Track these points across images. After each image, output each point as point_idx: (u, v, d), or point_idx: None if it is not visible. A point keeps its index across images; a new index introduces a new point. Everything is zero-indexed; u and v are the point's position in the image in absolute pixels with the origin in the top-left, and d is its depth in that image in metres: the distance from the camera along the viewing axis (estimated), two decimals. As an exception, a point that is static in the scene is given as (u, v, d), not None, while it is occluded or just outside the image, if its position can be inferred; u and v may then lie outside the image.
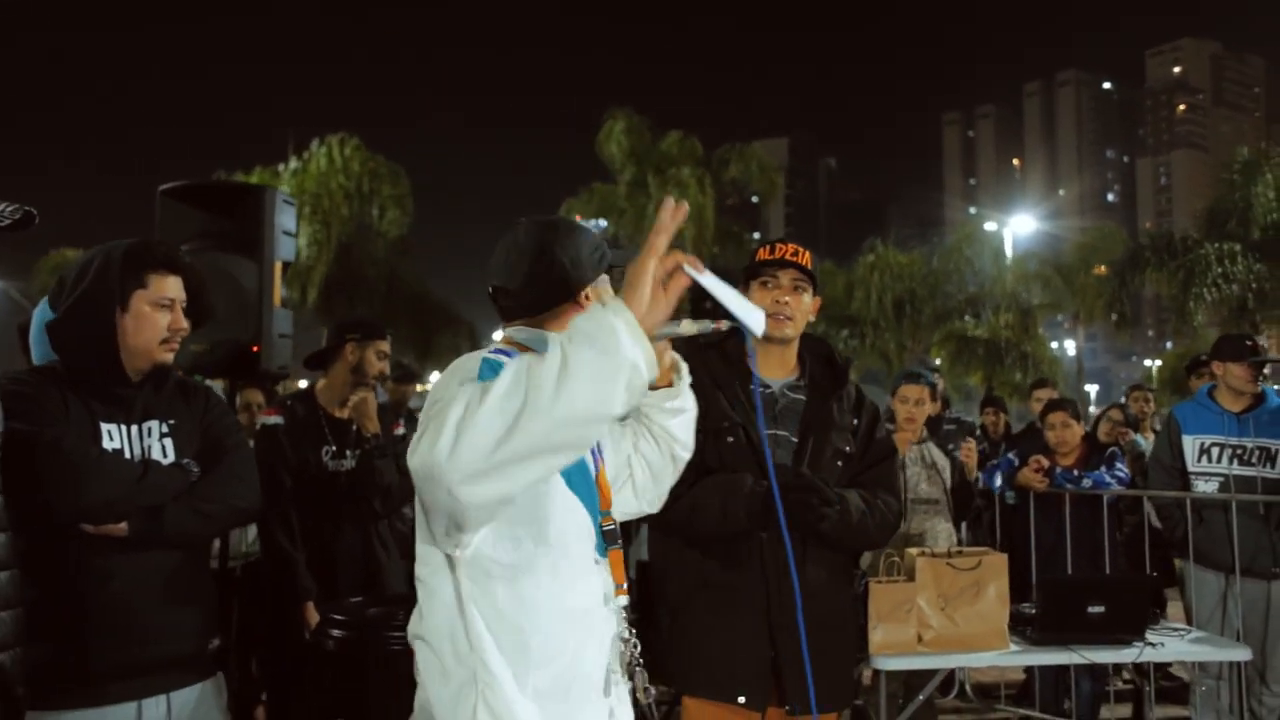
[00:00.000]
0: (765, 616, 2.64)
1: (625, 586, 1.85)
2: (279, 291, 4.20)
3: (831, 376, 2.89)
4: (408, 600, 3.38)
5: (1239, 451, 4.55)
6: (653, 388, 1.98)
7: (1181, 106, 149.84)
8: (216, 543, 4.45)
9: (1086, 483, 5.00)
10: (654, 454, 2.03)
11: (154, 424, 2.31)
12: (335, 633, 2.95)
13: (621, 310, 1.45)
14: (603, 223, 26.41)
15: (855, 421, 2.85)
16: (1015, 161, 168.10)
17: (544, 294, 1.88)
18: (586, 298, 1.90)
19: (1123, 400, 7.70)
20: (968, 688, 5.63)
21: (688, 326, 1.88)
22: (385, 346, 3.95)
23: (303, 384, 6.40)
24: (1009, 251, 25.99)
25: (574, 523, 1.78)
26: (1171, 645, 3.88)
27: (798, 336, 2.84)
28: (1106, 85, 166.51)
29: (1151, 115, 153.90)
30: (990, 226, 28.10)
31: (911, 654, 3.70)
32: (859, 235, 28.75)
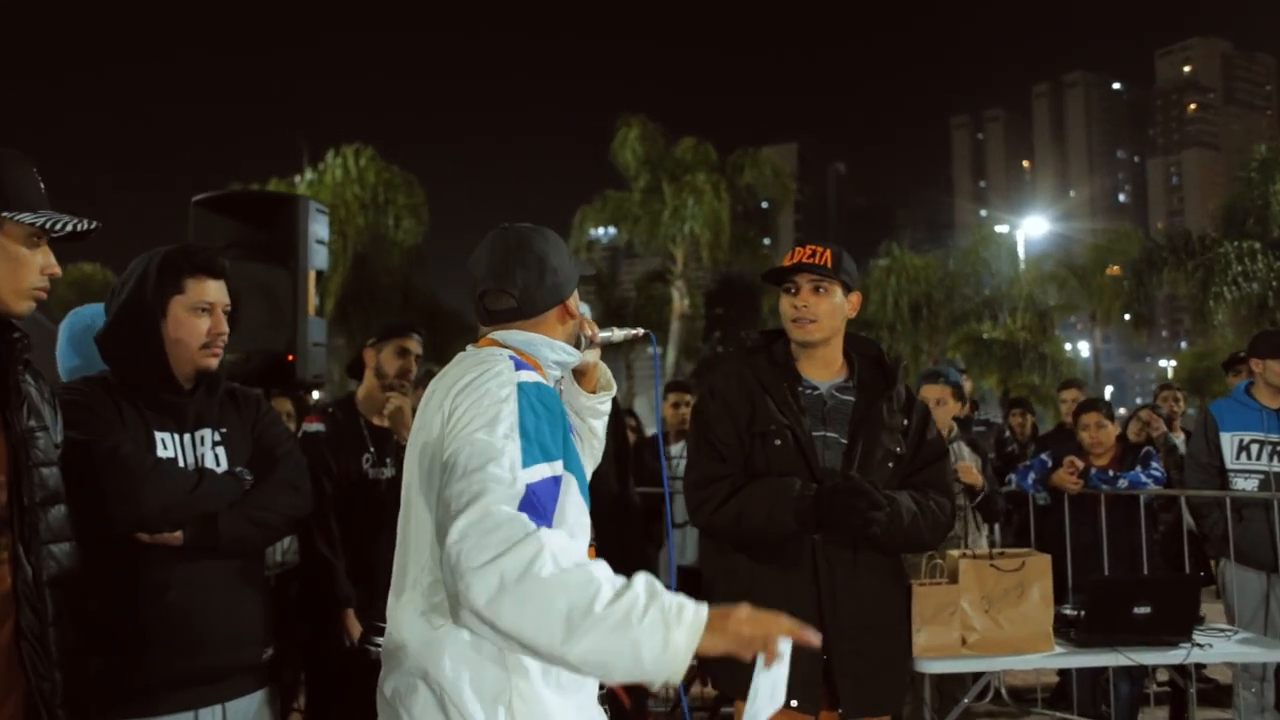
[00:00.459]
0: (817, 620, 2.61)
1: None
2: (313, 300, 4.22)
3: (881, 377, 2.86)
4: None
5: (1279, 448, 4.51)
6: (587, 390, 2.19)
7: (1192, 106, 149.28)
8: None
9: (1122, 483, 4.96)
10: (581, 453, 2.14)
11: (206, 432, 2.31)
12: (381, 641, 2.93)
13: (697, 639, 1.51)
14: (612, 230, 26.43)
15: (905, 422, 2.82)
16: (1025, 164, 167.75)
17: (541, 298, 1.94)
18: (572, 302, 2.03)
19: (1152, 401, 7.63)
20: (1003, 691, 5.59)
21: (616, 334, 2.25)
22: (407, 344, 3.83)
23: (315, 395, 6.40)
24: (1022, 253, 25.91)
25: (582, 523, 1.87)
26: (1219, 646, 3.83)
27: (833, 337, 2.80)
28: (1116, 86, 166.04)
29: (1162, 115, 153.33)
30: (1002, 229, 28.04)
31: (955, 657, 3.67)
32: (869, 240, 28.77)
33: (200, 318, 2.27)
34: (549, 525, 1.66)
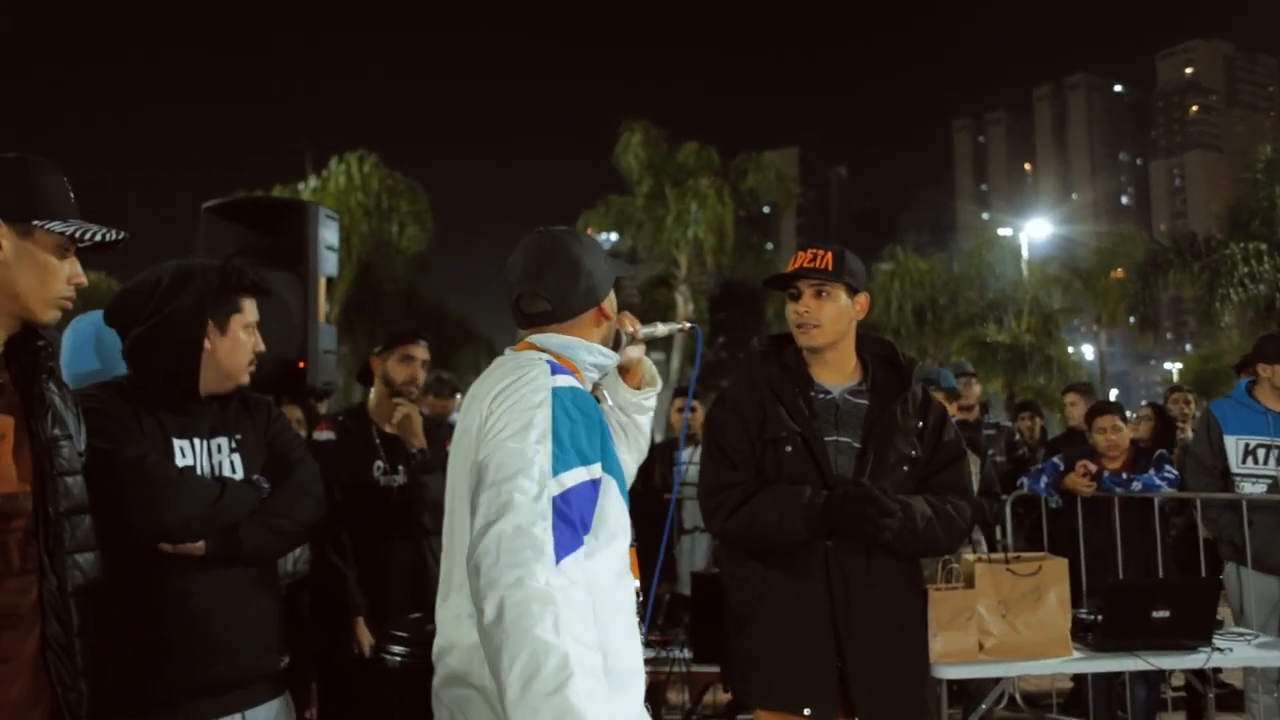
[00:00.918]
0: (831, 627, 2.59)
1: (638, 581, 1.97)
2: (323, 307, 4.20)
3: (895, 379, 2.81)
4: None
5: None
6: (633, 386, 2.23)
7: (1194, 108, 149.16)
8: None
9: (1136, 485, 4.93)
10: (624, 447, 2.19)
11: (223, 440, 2.30)
12: (398, 650, 2.92)
13: None
14: (614, 236, 26.43)
15: (920, 424, 2.78)
16: (1027, 166, 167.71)
17: (575, 302, 1.97)
18: (608, 304, 2.04)
19: (1163, 403, 7.60)
20: (1017, 697, 5.55)
21: (661, 329, 2.25)
22: (414, 351, 3.85)
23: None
24: (1026, 256, 25.88)
25: (623, 524, 1.89)
26: (1239, 651, 3.80)
27: (840, 340, 2.77)
28: (1117, 88, 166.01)
29: (1164, 117, 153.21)
30: (1005, 232, 28.01)
31: (973, 662, 3.64)
32: (872, 243, 28.78)
33: (251, 336, 2.33)
34: (586, 530, 1.74)
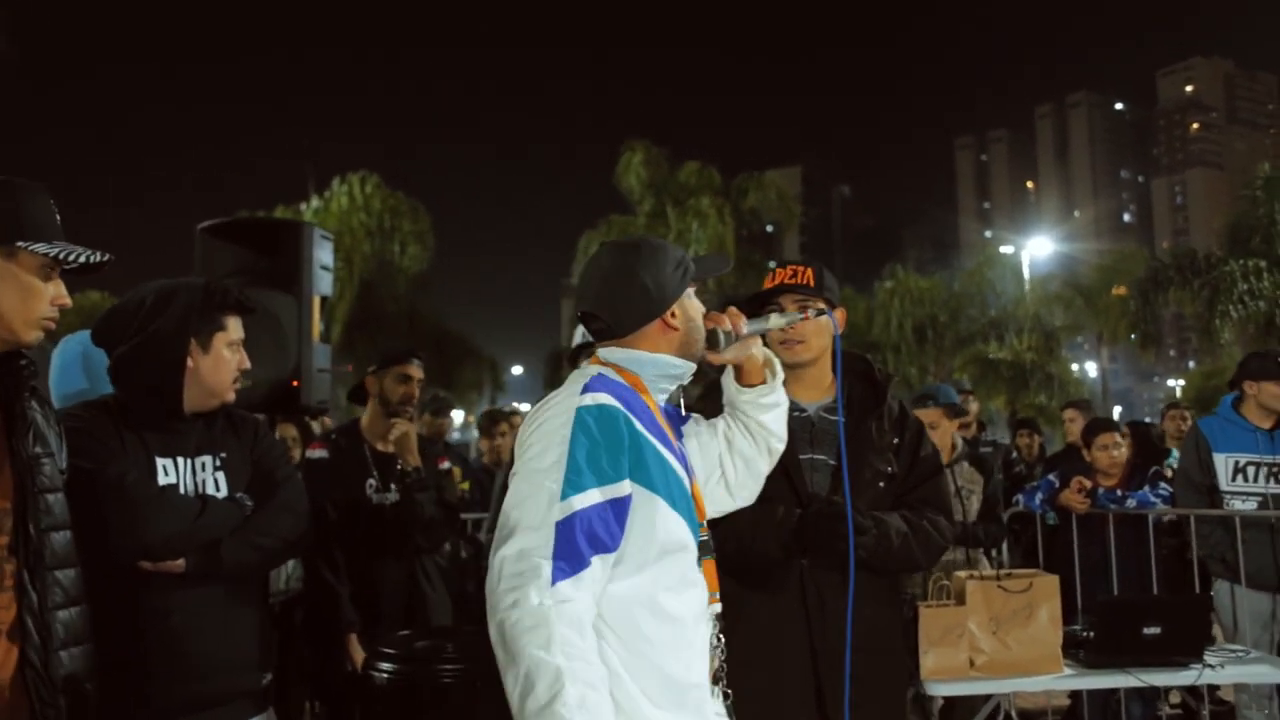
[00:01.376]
0: (808, 644, 2.57)
1: (717, 595, 1.94)
2: (318, 326, 4.22)
3: (871, 395, 2.79)
4: (454, 633, 3.37)
5: (1275, 470, 4.49)
6: (748, 385, 2.15)
7: (1195, 125, 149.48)
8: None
9: (1131, 503, 4.93)
10: (750, 449, 2.15)
11: (207, 458, 2.32)
12: (386, 666, 2.93)
13: None
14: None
15: (896, 440, 2.75)
16: (1029, 184, 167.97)
17: (629, 316, 1.96)
18: (674, 314, 1.98)
19: (1160, 420, 7.61)
20: (1013, 715, 5.53)
21: (775, 321, 2.16)
22: (409, 370, 3.87)
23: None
24: (1027, 274, 25.92)
25: (676, 538, 1.87)
26: (1231, 667, 3.79)
27: (821, 356, 2.75)
28: (1119, 106, 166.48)
29: (1165, 135, 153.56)
30: (1006, 250, 28.06)
31: (964, 679, 3.64)
32: (875, 261, 28.80)
33: (236, 354, 2.36)
34: (606, 550, 1.77)
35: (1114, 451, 5.13)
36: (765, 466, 2.19)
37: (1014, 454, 7.59)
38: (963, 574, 3.78)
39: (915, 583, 4.28)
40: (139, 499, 2.08)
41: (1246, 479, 4.53)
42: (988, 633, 3.66)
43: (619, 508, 1.80)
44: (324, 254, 4.31)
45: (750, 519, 2.55)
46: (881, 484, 2.67)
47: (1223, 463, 4.58)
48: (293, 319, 4.15)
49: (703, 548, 1.94)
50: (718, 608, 1.95)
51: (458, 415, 24.11)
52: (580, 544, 1.72)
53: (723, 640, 1.96)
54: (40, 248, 1.79)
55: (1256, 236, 18.13)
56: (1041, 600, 3.69)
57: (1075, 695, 5.41)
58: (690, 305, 2.03)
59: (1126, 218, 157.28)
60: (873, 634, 2.58)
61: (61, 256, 1.81)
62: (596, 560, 1.75)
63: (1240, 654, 3.96)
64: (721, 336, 2.06)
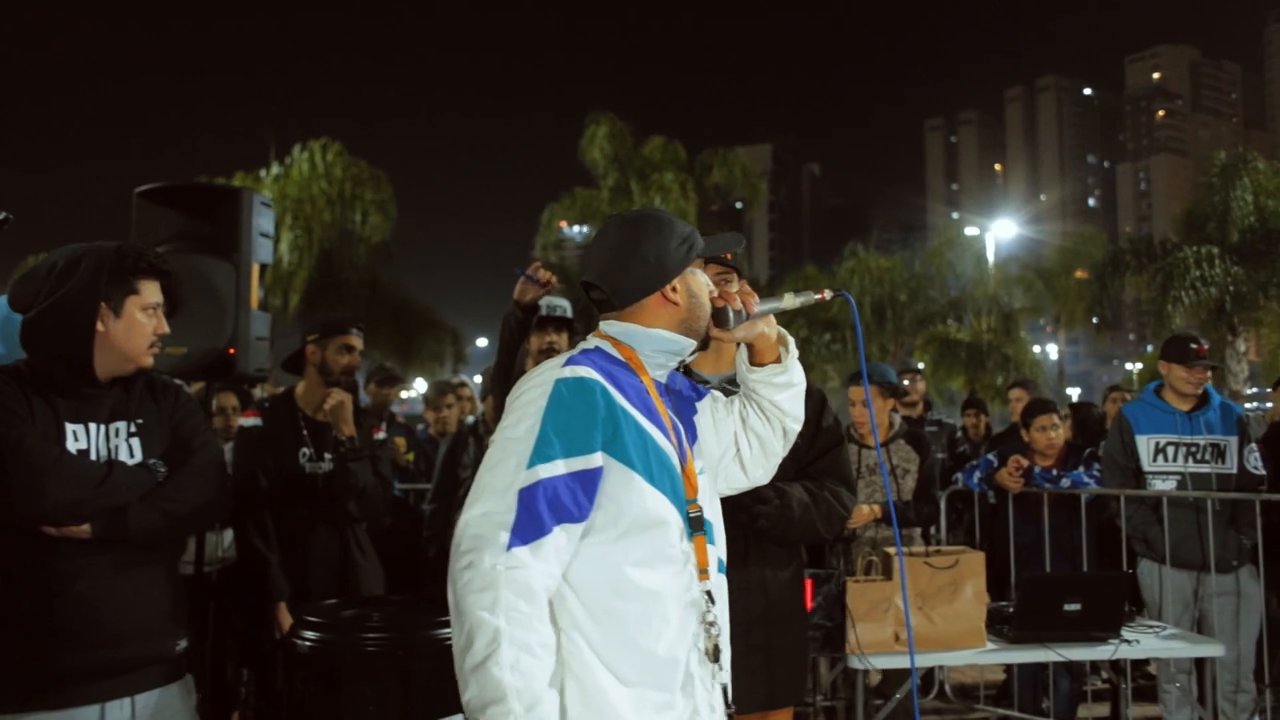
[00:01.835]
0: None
1: (708, 572, 1.92)
2: (256, 294, 4.17)
3: None
4: (383, 603, 3.38)
5: (1192, 449, 4.62)
6: (760, 364, 2.11)
7: (1161, 112, 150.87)
8: (192, 547, 4.45)
9: (1065, 482, 5.03)
10: (763, 429, 2.13)
11: (121, 424, 2.30)
12: (309, 634, 2.94)
13: None
14: (586, 229, 26.38)
15: None
16: (997, 167, 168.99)
17: (628, 287, 1.96)
18: (674, 289, 1.97)
19: (1102, 402, 7.74)
20: (947, 688, 5.65)
21: (789, 300, 2.11)
22: (350, 340, 3.86)
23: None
24: (991, 256, 26.12)
25: (653, 514, 1.86)
26: (1146, 642, 3.90)
27: None
28: (1087, 91, 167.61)
29: (1131, 121, 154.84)
30: (972, 231, 28.25)
31: (889, 653, 3.72)
32: (843, 240, 28.80)
33: (151, 318, 2.31)
34: (571, 520, 1.77)
35: (1051, 433, 5.23)
36: (780, 447, 2.18)
37: (959, 433, 7.69)
38: (891, 549, 3.85)
39: (837, 554, 4.35)
40: (38, 463, 2.06)
41: (1167, 459, 4.65)
42: (914, 608, 3.74)
43: (588, 479, 1.81)
44: (264, 221, 4.25)
45: None
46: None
47: (1144, 444, 4.70)
48: (230, 286, 4.10)
49: (693, 524, 1.93)
50: (708, 584, 1.91)
51: (421, 384, 23.99)
52: (542, 512, 1.74)
53: (717, 617, 1.92)
54: None
55: (1212, 223, 18.44)
56: (967, 576, 3.77)
57: (1009, 670, 5.54)
58: (694, 281, 2.02)
59: (1092, 202, 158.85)
60: (773, 603, 2.63)
61: None
62: (560, 530, 1.76)
63: (1156, 629, 4.07)
64: (731, 315, 2.05)
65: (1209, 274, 17.29)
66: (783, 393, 2.10)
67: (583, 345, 1.99)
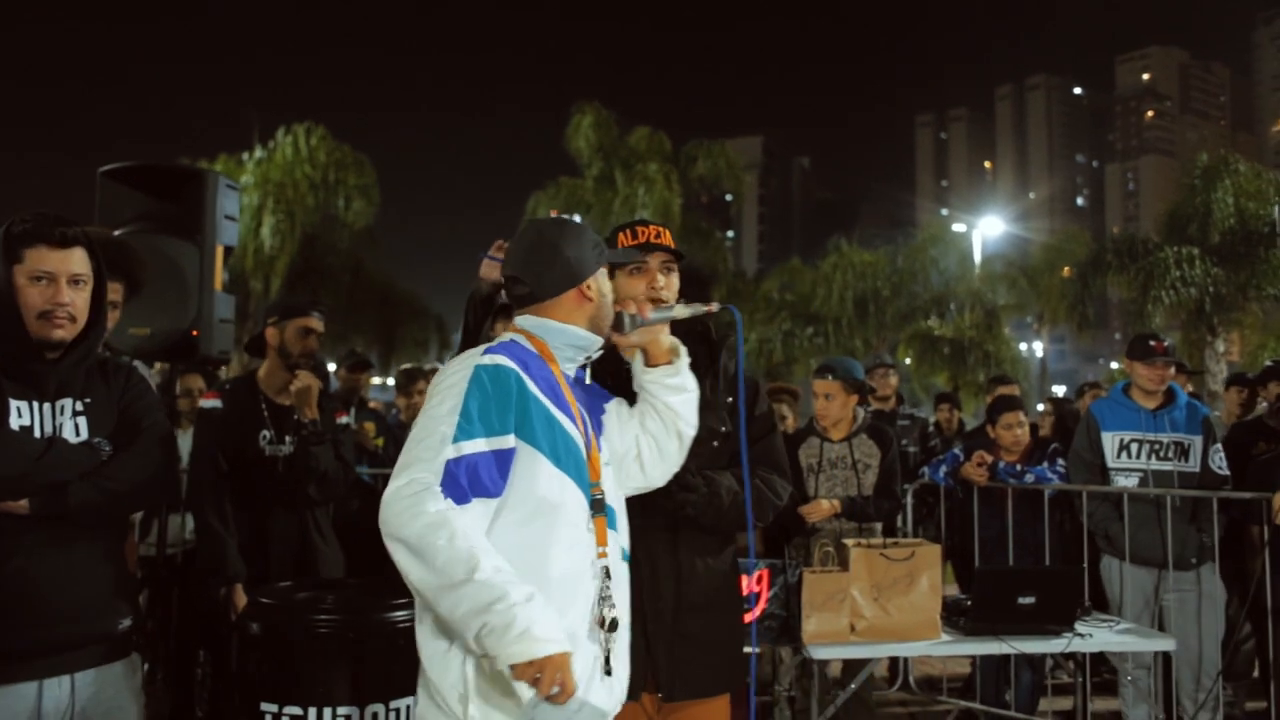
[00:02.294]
0: (637, 602, 2.51)
1: (605, 550, 2.10)
2: (220, 276, 4.18)
3: (706, 354, 2.77)
4: (339, 585, 3.38)
5: (1156, 447, 4.66)
6: (653, 366, 2.30)
7: (1150, 113, 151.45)
8: (155, 529, 4.44)
9: (1029, 477, 5.07)
10: (659, 430, 2.30)
11: (67, 402, 2.29)
12: (261, 616, 2.94)
13: (519, 659, 1.80)
14: (576, 218, 26.36)
15: (730, 399, 2.73)
16: (987, 164, 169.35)
17: (550, 282, 2.15)
18: (589, 287, 2.18)
19: (1076, 398, 7.78)
20: (911, 680, 5.70)
21: (680, 310, 2.33)
22: (309, 323, 3.81)
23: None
24: (977, 253, 26.21)
25: (561, 495, 2.04)
26: (1100, 636, 3.94)
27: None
28: (1077, 90, 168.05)
29: (1121, 121, 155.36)
30: (960, 228, 28.33)
31: (844, 643, 3.75)
32: (831, 234, 28.83)
33: (36, 287, 2.22)
34: (486, 495, 1.94)
35: (1017, 430, 5.27)
36: (674, 449, 2.33)
37: (931, 427, 7.73)
38: (850, 541, 3.88)
39: (799, 549, 4.37)
40: None
41: (1130, 455, 4.69)
42: (869, 599, 3.76)
43: (503, 459, 1.97)
44: (229, 203, 4.26)
45: None
46: (715, 443, 2.67)
47: (1109, 440, 4.74)
48: (195, 268, 4.10)
49: (595, 505, 2.09)
50: (605, 562, 2.08)
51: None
52: (463, 483, 1.90)
53: (611, 592, 2.08)
54: None
55: (1193, 225, 18.52)
56: (923, 569, 3.80)
57: (974, 663, 5.58)
58: (604, 284, 2.23)
59: (1080, 201, 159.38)
60: (703, 592, 2.62)
61: None
62: (477, 502, 1.92)
63: (1110, 623, 4.11)
64: (627, 320, 2.24)
65: (1189, 274, 17.38)
66: (675, 395, 2.29)
67: (500, 339, 2.14)
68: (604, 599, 2.06)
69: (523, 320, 2.17)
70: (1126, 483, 4.65)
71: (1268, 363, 6.47)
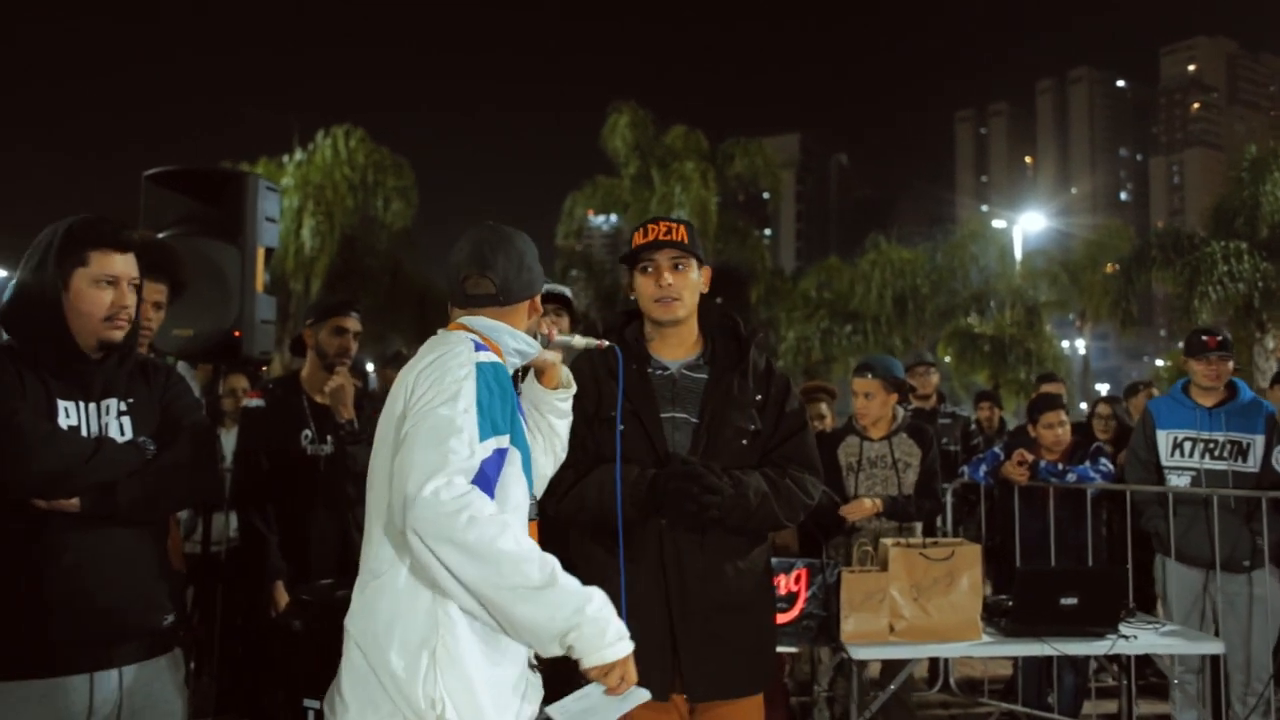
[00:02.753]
0: (664, 604, 2.57)
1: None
2: (261, 277, 4.24)
3: (735, 350, 2.77)
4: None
5: (1210, 445, 4.56)
6: (548, 387, 2.34)
7: (1196, 105, 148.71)
8: (200, 527, 4.50)
9: (1071, 477, 5.00)
10: (539, 448, 2.30)
11: (112, 402, 2.33)
12: (303, 613, 2.98)
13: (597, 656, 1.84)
14: (614, 219, 26.37)
15: (760, 396, 2.72)
16: (1027, 159, 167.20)
17: (518, 289, 2.16)
18: (537, 299, 2.24)
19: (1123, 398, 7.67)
20: (952, 681, 5.64)
21: (579, 340, 2.42)
22: (342, 323, 3.84)
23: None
24: (1018, 249, 25.86)
25: (522, 498, 2.06)
26: (1145, 638, 3.87)
27: (692, 314, 2.75)
28: (1120, 83, 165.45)
29: (1165, 113, 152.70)
30: (1000, 224, 27.97)
31: (883, 644, 3.72)
32: (869, 231, 28.59)
33: (103, 290, 2.27)
34: (491, 494, 1.91)
35: (1058, 430, 5.20)
36: (549, 470, 2.38)
37: (973, 426, 7.64)
38: (889, 541, 3.85)
39: (838, 548, 4.34)
40: (28, 436, 2.09)
41: (1183, 454, 4.61)
42: (909, 599, 3.73)
43: (500, 459, 1.97)
44: (270, 206, 4.31)
45: (598, 480, 2.56)
46: (744, 441, 2.66)
47: (1164, 439, 4.66)
48: (236, 270, 4.16)
49: (531, 509, 2.10)
50: None
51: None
52: (488, 484, 1.91)
53: None
54: None
55: (1240, 218, 18.12)
56: (963, 569, 3.75)
57: (1015, 664, 5.51)
58: (539, 300, 2.28)
59: (1124, 196, 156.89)
60: (733, 592, 2.60)
61: None
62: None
63: (1156, 626, 4.04)
64: (540, 339, 2.28)
65: (1237, 269, 16.99)
66: (562, 419, 2.35)
67: (456, 335, 2.09)
68: None
69: (476, 320, 2.12)
70: (1179, 481, 4.57)
71: None
